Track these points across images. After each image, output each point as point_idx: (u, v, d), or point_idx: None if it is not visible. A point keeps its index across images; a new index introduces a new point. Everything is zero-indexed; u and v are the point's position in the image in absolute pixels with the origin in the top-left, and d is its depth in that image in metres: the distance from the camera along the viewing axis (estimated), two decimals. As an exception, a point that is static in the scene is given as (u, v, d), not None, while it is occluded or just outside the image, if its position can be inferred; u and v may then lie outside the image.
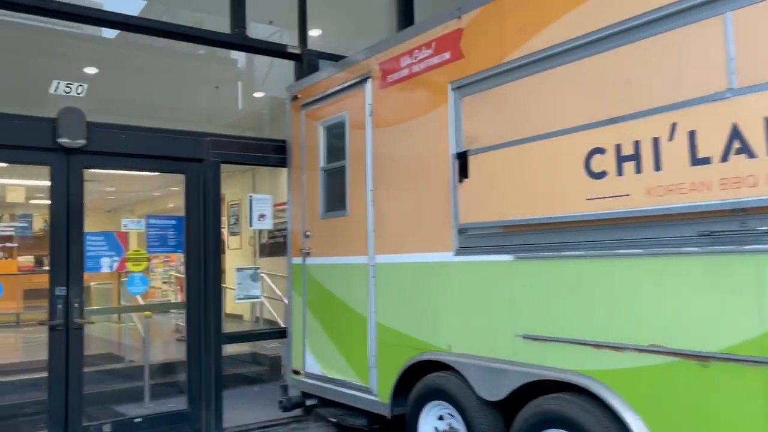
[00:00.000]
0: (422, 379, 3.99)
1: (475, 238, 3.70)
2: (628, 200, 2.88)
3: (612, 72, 2.98)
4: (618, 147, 2.92)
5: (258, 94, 9.80)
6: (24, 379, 6.93)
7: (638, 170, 2.83)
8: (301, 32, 5.96)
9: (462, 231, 3.78)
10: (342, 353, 4.75)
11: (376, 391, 4.38)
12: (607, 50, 2.99)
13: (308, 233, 5.23)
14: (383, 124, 4.46)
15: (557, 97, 3.23)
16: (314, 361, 5.06)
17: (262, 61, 9.52)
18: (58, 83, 5.08)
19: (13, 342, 10.69)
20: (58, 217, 4.73)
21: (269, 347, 7.84)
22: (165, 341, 8.89)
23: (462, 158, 3.74)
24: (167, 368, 7.11)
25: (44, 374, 6.71)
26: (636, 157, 2.84)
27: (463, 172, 3.74)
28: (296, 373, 5.25)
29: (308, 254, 5.20)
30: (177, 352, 8.08)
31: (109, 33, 9.11)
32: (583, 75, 3.11)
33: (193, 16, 6.56)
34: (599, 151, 2.99)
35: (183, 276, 10.30)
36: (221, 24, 5.89)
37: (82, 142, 4.73)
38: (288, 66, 8.89)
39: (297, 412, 5.37)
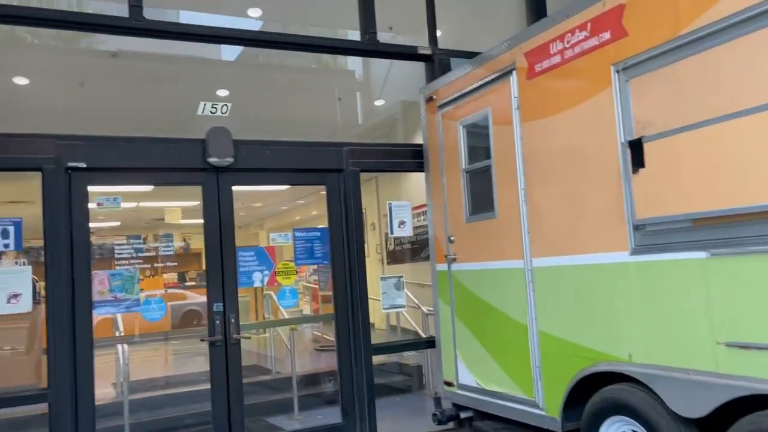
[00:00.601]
0: (599, 392, 3.63)
1: (656, 235, 3.31)
2: None
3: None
4: None
5: (378, 102, 9.81)
6: (180, 392, 7.27)
7: None
8: (430, 32, 5.79)
9: (639, 227, 3.40)
10: (500, 364, 4.48)
11: (543, 405, 4.07)
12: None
13: (452, 238, 5.02)
14: (533, 117, 4.16)
15: (757, 67, 2.79)
16: (468, 372, 4.83)
17: (379, 68, 9.53)
18: (204, 105, 5.24)
19: (163, 356, 11.36)
20: (212, 235, 4.85)
21: (406, 355, 7.73)
22: (305, 351, 9.04)
23: (635, 146, 3.37)
24: (312, 379, 7.18)
25: (197, 387, 7.01)
26: None
27: (637, 162, 3.36)
28: (449, 384, 5.05)
29: (454, 260, 4.99)
30: (319, 363, 8.18)
31: (230, 55, 9.52)
32: (792, 37, 2.66)
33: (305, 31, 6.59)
34: (824, 123, 2.54)
35: (314, 286, 10.45)
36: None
37: (230, 160, 4.82)
38: (407, 71, 8.81)
39: (451, 424, 5.16)
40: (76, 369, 4.29)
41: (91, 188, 4.57)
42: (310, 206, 13.39)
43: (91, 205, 4.60)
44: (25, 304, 4.16)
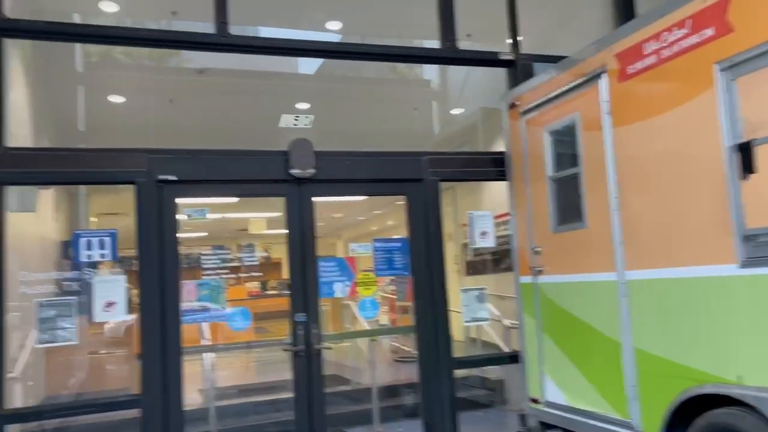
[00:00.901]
0: (704, 416, 3.37)
1: (770, 246, 3.04)
2: None
3: None
4: None
5: (456, 111, 9.71)
6: (260, 400, 7.37)
7: None
8: (512, 37, 5.65)
9: (749, 238, 3.13)
10: (591, 382, 4.26)
11: (640, 427, 3.81)
12: None
13: (538, 249, 4.84)
14: (625, 122, 3.95)
15: None
16: (555, 389, 4.62)
17: (456, 77, 9.44)
18: (287, 117, 5.32)
19: (245, 363, 11.62)
20: (294, 246, 4.89)
21: (488, 369, 7.53)
22: (383, 362, 8.99)
23: (744, 150, 3.11)
24: (392, 391, 7.11)
25: (278, 395, 7.10)
26: None
27: (746, 167, 3.10)
28: (534, 401, 4.85)
29: (540, 272, 4.81)
30: (398, 374, 8.10)
31: (308, 69, 9.73)
32: None
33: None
34: None
35: (391, 297, 10.44)
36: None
37: (311, 171, 4.85)
38: (484, 79, 8.66)
39: (537, 443, 4.95)
40: (166, 376, 4.41)
41: (180, 200, 4.71)
42: (387, 216, 13.42)
43: (180, 217, 4.74)
44: (119, 312, 4.34)
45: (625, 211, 3.95)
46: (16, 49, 5.29)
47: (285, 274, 5.00)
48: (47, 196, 6.84)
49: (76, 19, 5.73)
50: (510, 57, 5.58)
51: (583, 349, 4.32)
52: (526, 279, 4.96)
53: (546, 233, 4.75)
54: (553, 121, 4.65)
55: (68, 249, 5.02)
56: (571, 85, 4.42)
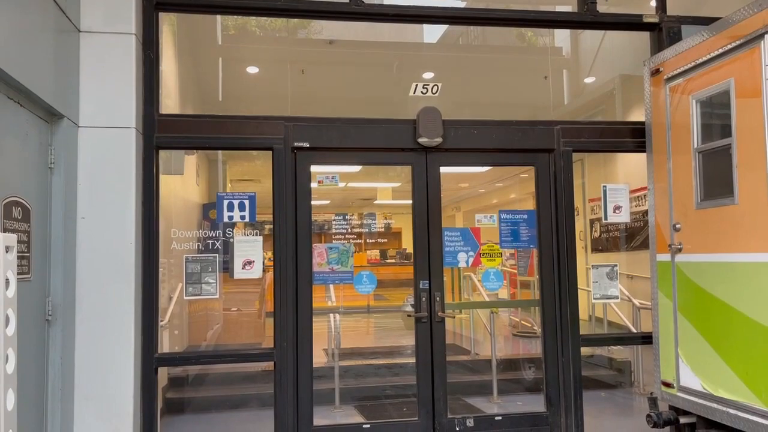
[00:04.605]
0: None
1: None
2: None
3: None
4: None
5: (588, 80, 9.25)
6: (380, 363, 7.59)
7: None
8: (659, -2, 5.27)
9: None
10: (734, 369, 3.96)
11: (791, 422, 3.52)
12: None
13: (678, 226, 4.54)
14: (791, 88, 3.56)
15: None
16: (692, 374, 4.36)
17: (589, 44, 8.96)
18: (416, 85, 5.33)
19: (364, 328, 12.00)
20: (419, 214, 4.94)
21: (613, 350, 7.27)
22: (501, 335, 8.93)
23: None
24: (511, 364, 7.06)
25: (396, 360, 7.28)
26: None
27: None
28: (667, 385, 4.61)
29: (679, 250, 4.51)
30: (517, 348, 8.03)
31: (431, 38, 9.61)
32: None
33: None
34: None
35: (512, 271, 10.30)
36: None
37: (438, 140, 4.84)
38: (619, 46, 8.14)
39: (668, 429, 4.72)
40: (298, 333, 4.65)
41: (312, 168, 4.89)
42: (509, 189, 13.14)
43: (312, 183, 4.92)
44: (257, 271, 4.62)
45: (785, 186, 3.59)
46: (166, 24, 5.68)
47: (405, 243, 5.09)
48: (190, 162, 7.36)
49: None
50: (655, 20, 5.19)
51: (726, 335, 4.03)
52: (663, 257, 4.68)
53: (688, 209, 4.44)
54: (703, 88, 4.30)
55: (209, 211, 5.39)
56: (726, 48, 4.05)
